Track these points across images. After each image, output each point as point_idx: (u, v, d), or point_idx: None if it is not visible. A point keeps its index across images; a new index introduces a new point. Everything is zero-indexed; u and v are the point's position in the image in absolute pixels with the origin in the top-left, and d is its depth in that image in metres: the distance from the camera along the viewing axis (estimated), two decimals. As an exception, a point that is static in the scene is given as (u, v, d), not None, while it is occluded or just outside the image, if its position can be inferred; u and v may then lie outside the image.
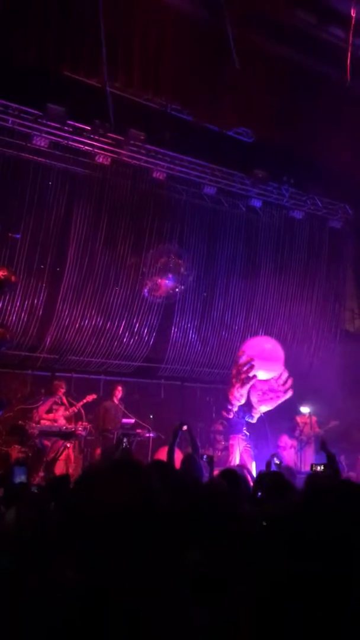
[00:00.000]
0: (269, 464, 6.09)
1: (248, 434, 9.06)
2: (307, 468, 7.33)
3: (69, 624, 1.02)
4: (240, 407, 8.90)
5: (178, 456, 6.91)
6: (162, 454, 7.54)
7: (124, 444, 7.75)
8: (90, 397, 9.27)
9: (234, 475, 4.24)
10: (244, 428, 9.04)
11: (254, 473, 7.49)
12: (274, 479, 4.21)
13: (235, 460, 8.52)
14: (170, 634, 0.99)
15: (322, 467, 6.12)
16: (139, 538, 1.10)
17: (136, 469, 1.27)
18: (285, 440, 10.45)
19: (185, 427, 6.93)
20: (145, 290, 10.41)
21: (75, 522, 1.15)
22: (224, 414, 9.06)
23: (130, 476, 1.21)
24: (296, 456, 10.28)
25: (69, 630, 1.01)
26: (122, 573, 1.06)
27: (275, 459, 6.36)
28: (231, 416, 8.91)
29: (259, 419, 9.10)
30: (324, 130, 9.06)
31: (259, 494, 4.10)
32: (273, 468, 6.08)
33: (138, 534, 1.11)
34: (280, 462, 6.79)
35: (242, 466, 7.30)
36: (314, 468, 6.12)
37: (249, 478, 5.51)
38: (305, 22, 7.91)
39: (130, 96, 8.42)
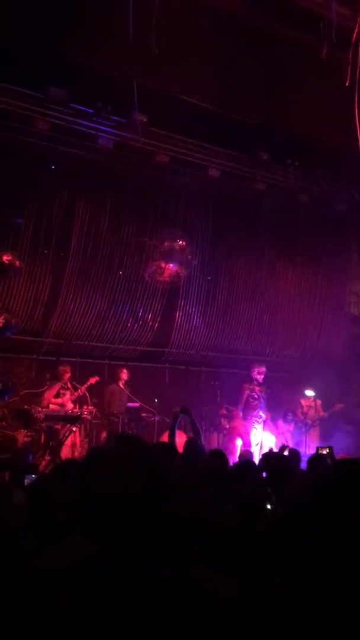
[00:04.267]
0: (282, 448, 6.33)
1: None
2: (313, 451, 7.40)
3: (87, 599, 1.03)
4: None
5: (183, 439, 6.98)
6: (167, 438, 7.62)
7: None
8: (93, 380, 9.31)
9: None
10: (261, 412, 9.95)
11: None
12: (279, 461, 4.32)
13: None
14: (194, 605, 0.99)
15: (328, 450, 6.25)
16: (153, 512, 1.11)
17: (143, 447, 1.28)
18: (281, 425, 10.57)
19: (185, 412, 7.01)
20: (150, 275, 10.38)
21: (87, 499, 1.16)
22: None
23: (139, 453, 1.22)
24: (294, 440, 10.39)
25: (88, 605, 1.02)
26: (138, 547, 1.07)
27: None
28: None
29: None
30: (331, 114, 8.94)
31: (264, 474, 4.21)
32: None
33: (152, 508, 1.11)
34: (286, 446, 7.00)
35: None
36: (319, 451, 6.25)
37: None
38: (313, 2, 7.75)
39: (134, 79, 8.31)
